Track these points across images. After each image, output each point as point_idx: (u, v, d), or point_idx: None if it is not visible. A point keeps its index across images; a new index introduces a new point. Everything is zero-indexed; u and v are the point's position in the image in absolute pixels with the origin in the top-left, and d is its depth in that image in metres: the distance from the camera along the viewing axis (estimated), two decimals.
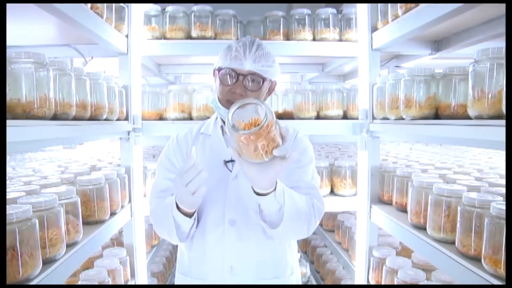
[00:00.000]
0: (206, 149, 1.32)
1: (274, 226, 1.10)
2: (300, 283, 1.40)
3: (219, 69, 1.25)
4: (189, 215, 1.15)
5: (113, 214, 1.75)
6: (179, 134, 1.40)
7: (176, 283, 1.37)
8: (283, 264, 1.32)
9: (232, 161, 1.27)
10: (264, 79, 1.24)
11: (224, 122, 1.27)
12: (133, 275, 2.05)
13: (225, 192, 1.25)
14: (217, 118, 1.37)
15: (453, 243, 1.27)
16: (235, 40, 1.28)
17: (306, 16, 2.17)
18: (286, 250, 1.33)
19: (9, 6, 1.16)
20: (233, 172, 1.26)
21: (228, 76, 1.22)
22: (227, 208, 1.24)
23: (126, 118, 1.98)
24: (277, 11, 2.20)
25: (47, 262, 1.15)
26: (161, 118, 2.22)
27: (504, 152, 0.98)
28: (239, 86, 1.21)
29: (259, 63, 1.21)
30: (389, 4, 1.76)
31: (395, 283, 1.73)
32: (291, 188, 1.13)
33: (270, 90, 1.33)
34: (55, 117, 1.21)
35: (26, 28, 1.66)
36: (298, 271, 1.40)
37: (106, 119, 1.68)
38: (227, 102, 1.22)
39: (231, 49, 1.24)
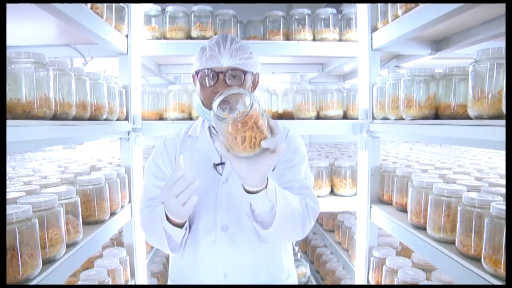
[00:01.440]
0: (194, 152, 1.27)
1: (266, 227, 1.05)
2: None
3: (197, 72, 1.21)
4: (180, 226, 1.12)
5: (113, 214, 1.75)
6: (166, 138, 1.36)
7: None
8: (279, 268, 1.28)
9: (222, 163, 1.23)
10: (245, 72, 1.19)
11: (213, 127, 1.23)
12: (133, 275, 2.05)
13: (216, 197, 1.21)
14: (204, 120, 1.33)
15: (453, 243, 1.27)
16: (208, 40, 1.23)
17: (306, 16, 2.17)
18: (282, 254, 1.29)
19: (9, 6, 1.16)
20: (223, 175, 1.22)
21: (207, 77, 1.18)
22: (218, 214, 1.21)
23: (126, 118, 1.98)
24: (277, 11, 2.20)
25: (47, 262, 1.15)
26: (161, 118, 2.22)
27: (504, 152, 0.98)
28: (221, 85, 1.15)
29: (236, 57, 1.17)
30: (389, 4, 1.76)
31: (395, 283, 1.73)
32: (284, 189, 1.09)
33: (255, 84, 1.28)
34: (55, 117, 1.21)
35: (26, 28, 1.66)
36: (295, 274, 1.36)
37: (106, 119, 1.68)
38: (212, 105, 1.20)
39: (205, 49, 1.20)
